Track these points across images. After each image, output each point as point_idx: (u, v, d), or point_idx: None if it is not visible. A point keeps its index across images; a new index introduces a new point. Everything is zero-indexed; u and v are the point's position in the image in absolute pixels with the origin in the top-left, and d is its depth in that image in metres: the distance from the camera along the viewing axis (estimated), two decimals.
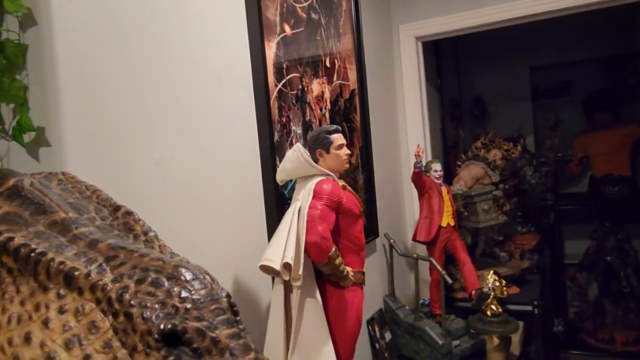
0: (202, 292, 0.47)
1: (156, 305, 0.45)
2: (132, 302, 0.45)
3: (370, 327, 2.03)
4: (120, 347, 0.45)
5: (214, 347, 0.44)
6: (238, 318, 0.49)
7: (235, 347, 0.45)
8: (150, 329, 0.44)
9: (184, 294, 0.46)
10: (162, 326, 0.43)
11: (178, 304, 0.45)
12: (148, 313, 0.44)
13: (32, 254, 0.49)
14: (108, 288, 0.46)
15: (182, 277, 0.47)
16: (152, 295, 0.45)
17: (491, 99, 4.33)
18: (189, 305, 0.45)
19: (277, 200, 1.45)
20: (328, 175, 1.30)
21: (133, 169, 1.04)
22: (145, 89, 1.08)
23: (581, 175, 4.22)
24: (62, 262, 0.48)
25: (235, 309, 0.49)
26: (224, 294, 0.49)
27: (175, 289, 0.46)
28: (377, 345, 2.02)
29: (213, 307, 0.46)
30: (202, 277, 0.49)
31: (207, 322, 0.45)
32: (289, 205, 1.36)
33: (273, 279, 1.28)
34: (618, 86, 4.06)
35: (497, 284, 2.32)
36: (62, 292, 0.47)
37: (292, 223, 1.19)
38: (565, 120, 4.17)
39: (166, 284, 0.46)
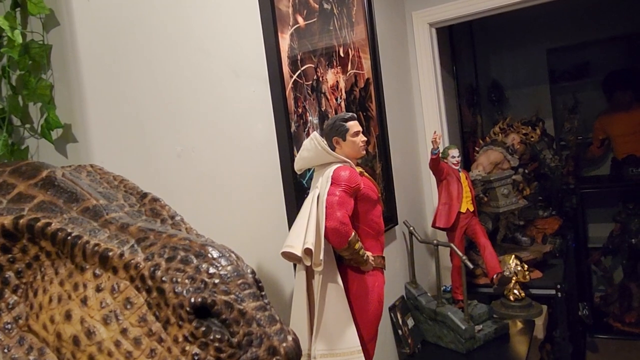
0: (229, 268, 0.49)
1: (186, 281, 0.47)
2: (163, 278, 0.48)
3: (392, 314, 2.05)
4: (154, 320, 0.48)
5: (241, 318, 0.46)
6: (263, 293, 0.51)
7: (261, 318, 0.47)
8: (182, 303, 0.46)
9: (211, 269, 0.48)
10: (192, 299, 0.46)
11: (207, 279, 0.47)
12: (179, 288, 0.47)
13: (69, 238, 0.52)
14: (141, 266, 0.49)
15: (209, 255, 0.50)
16: (182, 272, 0.48)
17: (508, 84, 4.29)
18: (216, 280, 0.48)
19: (295, 190, 1.47)
20: (345, 162, 1.32)
21: (156, 162, 1.08)
22: (164, 84, 1.11)
23: (603, 157, 4.16)
24: (96, 244, 0.51)
25: (260, 284, 0.52)
26: (249, 270, 0.52)
27: (203, 266, 0.48)
28: (400, 332, 2.04)
29: (239, 281, 0.49)
30: (227, 254, 0.51)
31: (234, 296, 0.47)
32: (307, 194, 1.39)
33: (294, 266, 1.31)
34: (638, 65, 3.98)
35: (519, 268, 2.32)
36: (97, 272, 0.51)
37: (311, 210, 1.22)
38: (584, 102, 4.10)
39: (195, 261, 0.49)
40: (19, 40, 0.91)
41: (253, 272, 0.52)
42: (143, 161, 1.05)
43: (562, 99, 4.25)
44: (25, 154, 0.99)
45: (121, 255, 0.50)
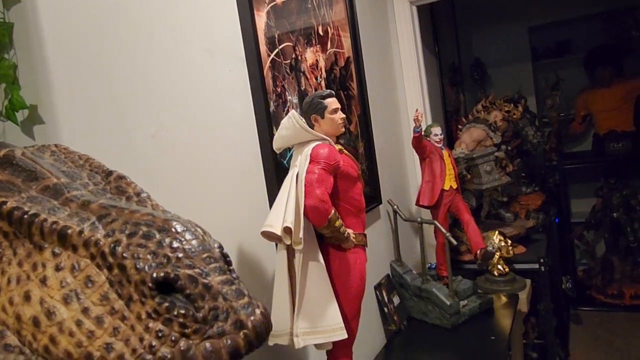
0: (194, 242, 0.48)
1: (148, 256, 0.46)
2: (124, 254, 0.46)
3: (378, 292, 2.06)
4: (116, 298, 0.46)
5: (206, 292, 0.45)
6: (231, 267, 0.50)
7: (227, 292, 0.46)
8: (144, 279, 0.45)
9: (175, 244, 0.47)
10: (154, 275, 0.44)
11: (169, 254, 0.46)
12: (141, 264, 0.45)
13: (25, 216, 0.50)
14: (101, 243, 0.47)
15: (172, 229, 0.48)
16: (144, 247, 0.46)
17: (490, 62, 4.28)
18: (180, 255, 0.46)
19: (276, 170, 1.45)
20: (324, 139, 1.30)
21: (129, 143, 1.05)
22: (137, 62, 1.08)
23: (584, 133, 4.20)
24: (55, 222, 0.49)
25: (228, 259, 0.50)
26: (215, 245, 0.50)
27: (166, 240, 0.47)
28: (385, 310, 2.05)
29: (204, 255, 0.47)
30: (193, 229, 0.49)
31: (199, 270, 0.46)
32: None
33: (276, 245, 1.30)
34: (619, 41, 4.00)
35: (503, 243, 2.34)
36: (57, 250, 0.49)
37: (290, 189, 1.20)
38: (566, 78, 4.12)
39: (157, 235, 0.47)
40: None
41: (220, 247, 0.51)
42: (115, 142, 1.02)
43: (544, 76, 4.26)
44: None
45: (80, 232, 0.48)
